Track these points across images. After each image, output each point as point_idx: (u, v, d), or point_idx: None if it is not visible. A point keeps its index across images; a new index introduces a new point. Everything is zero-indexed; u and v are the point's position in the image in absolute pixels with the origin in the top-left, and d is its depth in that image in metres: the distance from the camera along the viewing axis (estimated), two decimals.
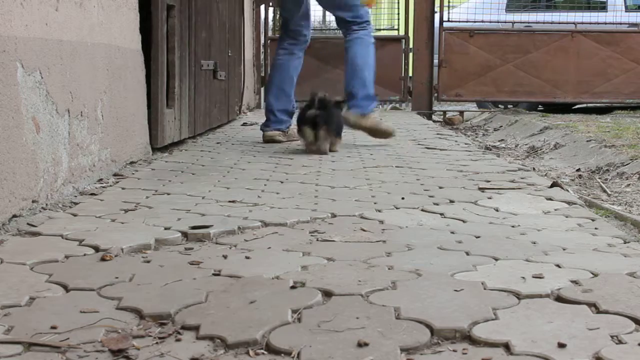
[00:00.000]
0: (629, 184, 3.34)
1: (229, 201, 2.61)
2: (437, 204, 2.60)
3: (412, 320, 1.38)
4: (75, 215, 2.36)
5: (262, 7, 8.97)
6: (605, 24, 8.21)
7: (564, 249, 1.95)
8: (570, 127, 5.60)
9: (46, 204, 2.44)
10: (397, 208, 2.54)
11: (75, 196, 2.68)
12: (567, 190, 2.96)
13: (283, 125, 4.64)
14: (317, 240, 2.06)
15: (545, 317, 1.41)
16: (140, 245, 1.96)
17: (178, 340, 1.31)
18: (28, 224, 2.19)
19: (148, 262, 1.82)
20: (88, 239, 2.02)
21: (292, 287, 1.60)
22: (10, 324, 1.37)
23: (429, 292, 1.55)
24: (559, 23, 8.19)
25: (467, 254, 1.90)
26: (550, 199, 2.71)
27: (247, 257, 1.86)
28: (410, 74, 8.32)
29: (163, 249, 1.97)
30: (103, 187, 2.91)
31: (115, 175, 3.20)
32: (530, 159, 4.68)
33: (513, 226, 2.26)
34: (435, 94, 7.99)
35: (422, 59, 7.97)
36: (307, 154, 4.05)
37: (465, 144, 4.80)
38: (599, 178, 3.58)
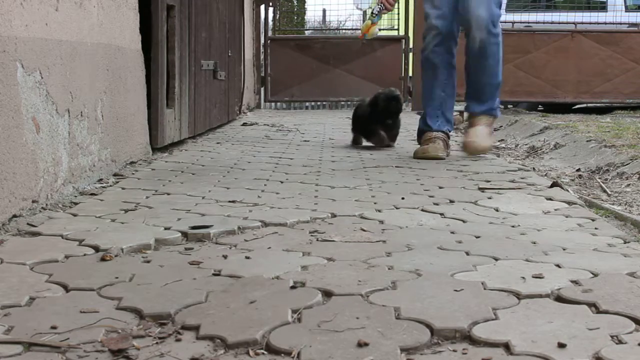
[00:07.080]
0: (629, 184, 3.34)
1: (229, 201, 2.61)
2: (437, 204, 2.60)
3: (412, 320, 1.38)
4: (75, 215, 2.36)
5: (262, 7, 8.97)
6: (605, 24, 8.22)
7: (564, 249, 1.95)
8: (570, 127, 5.60)
9: (46, 204, 2.44)
10: (397, 208, 2.54)
11: (75, 196, 2.68)
12: (567, 190, 2.96)
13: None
14: (317, 240, 2.06)
15: (545, 317, 1.40)
16: (140, 245, 1.96)
17: (178, 340, 1.30)
18: (28, 224, 2.19)
19: (148, 262, 1.82)
20: (88, 239, 2.02)
21: (292, 287, 1.59)
22: (10, 324, 1.37)
23: (429, 292, 1.55)
24: (559, 23, 8.20)
25: (467, 254, 1.90)
26: (550, 199, 2.71)
27: (247, 257, 1.86)
28: (410, 74, 8.32)
29: (163, 249, 1.97)
30: (103, 187, 2.91)
31: (115, 175, 3.20)
32: (530, 159, 4.67)
33: (513, 226, 2.26)
34: None
35: None
36: (307, 154, 4.06)
37: None
38: (599, 178, 3.57)
